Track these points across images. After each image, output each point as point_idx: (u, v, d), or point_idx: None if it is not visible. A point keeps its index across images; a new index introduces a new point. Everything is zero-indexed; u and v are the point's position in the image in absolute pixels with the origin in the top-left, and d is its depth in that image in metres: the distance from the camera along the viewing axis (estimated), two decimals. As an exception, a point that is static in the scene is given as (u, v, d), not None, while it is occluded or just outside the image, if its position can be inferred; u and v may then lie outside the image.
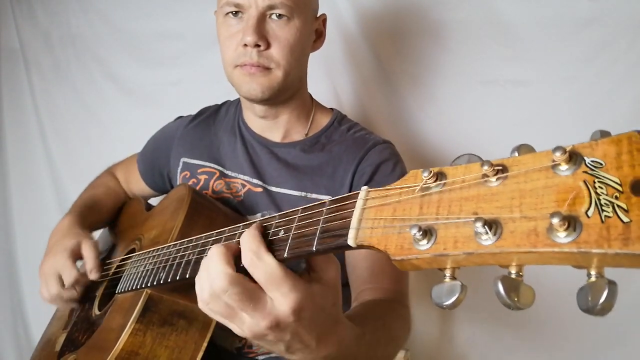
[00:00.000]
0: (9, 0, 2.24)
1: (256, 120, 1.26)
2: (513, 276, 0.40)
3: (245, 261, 0.60)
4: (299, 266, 0.63)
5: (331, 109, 1.34)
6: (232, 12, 1.11)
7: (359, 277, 1.09)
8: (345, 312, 0.87)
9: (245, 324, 0.61)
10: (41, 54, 2.22)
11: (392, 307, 0.99)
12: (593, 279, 0.36)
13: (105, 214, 1.43)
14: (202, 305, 0.64)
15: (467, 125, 1.63)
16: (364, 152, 1.17)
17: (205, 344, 0.95)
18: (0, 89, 2.30)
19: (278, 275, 0.59)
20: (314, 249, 0.56)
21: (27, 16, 2.22)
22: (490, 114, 1.59)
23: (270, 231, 0.64)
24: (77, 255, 1.15)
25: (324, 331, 0.65)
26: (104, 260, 1.30)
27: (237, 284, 0.60)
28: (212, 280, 0.61)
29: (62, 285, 1.13)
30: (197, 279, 0.65)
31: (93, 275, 1.12)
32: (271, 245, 0.62)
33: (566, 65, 1.49)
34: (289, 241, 0.60)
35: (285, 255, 0.59)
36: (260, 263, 0.59)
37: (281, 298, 0.59)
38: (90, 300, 1.19)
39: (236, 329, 0.63)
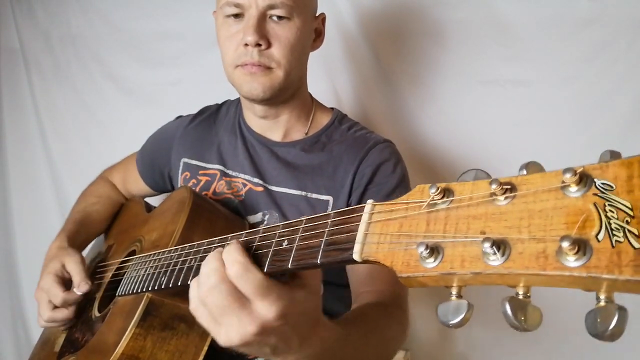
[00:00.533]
0: (9, 0, 2.23)
1: (256, 120, 1.26)
2: (520, 297, 0.39)
3: (231, 272, 0.60)
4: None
5: (331, 108, 1.34)
6: (233, 15, 1.11)
7: (358, 280, 1.09)
8: (344, 313, 0.91)
9: (233, 328, 0.60)
10: (41, 54, 2.21)
11: (388, 311, 0.99)
12: (602, 303, 0.35)
13: (99, 224, 1.42)
14: (196, 304, 0.64)
15: (467, 125, 1.63)
16: (365, 153, 1.17)
17: (206, 348, 0.95)
18: (0, 89, 2.29)
19: (265, 286, 0.59)
20: (319, 262, 0.55)
21: (27, 16, 2.21)
22: (490, 114, 1.59)
23: (274, 240, 0.64)
24: (62, 276, 1.13)
25: (306, 332, 0.66)
26: (101, 261, 1.30)
27: (226, 282, 0.60)
28: (207, 276, 0.62)
29: (54, 307, 1.12)
30: (193, 281, 0.65)
31: (81, 289, 1.10)
32: (274, 255, 0.62)
33: (566, 65, 1.49)
34: (293, 252, 0.60)
35: (289, 266, 0.59)
36: (248, 274, 0.60)
37: (268, 306, 0.59)
38: (90, 302, 1.18)
39: (222, 336, 0.62)
